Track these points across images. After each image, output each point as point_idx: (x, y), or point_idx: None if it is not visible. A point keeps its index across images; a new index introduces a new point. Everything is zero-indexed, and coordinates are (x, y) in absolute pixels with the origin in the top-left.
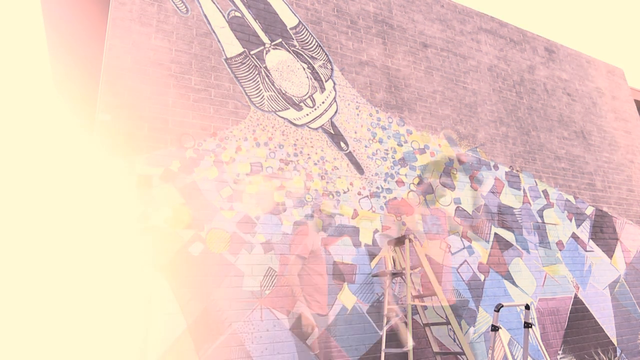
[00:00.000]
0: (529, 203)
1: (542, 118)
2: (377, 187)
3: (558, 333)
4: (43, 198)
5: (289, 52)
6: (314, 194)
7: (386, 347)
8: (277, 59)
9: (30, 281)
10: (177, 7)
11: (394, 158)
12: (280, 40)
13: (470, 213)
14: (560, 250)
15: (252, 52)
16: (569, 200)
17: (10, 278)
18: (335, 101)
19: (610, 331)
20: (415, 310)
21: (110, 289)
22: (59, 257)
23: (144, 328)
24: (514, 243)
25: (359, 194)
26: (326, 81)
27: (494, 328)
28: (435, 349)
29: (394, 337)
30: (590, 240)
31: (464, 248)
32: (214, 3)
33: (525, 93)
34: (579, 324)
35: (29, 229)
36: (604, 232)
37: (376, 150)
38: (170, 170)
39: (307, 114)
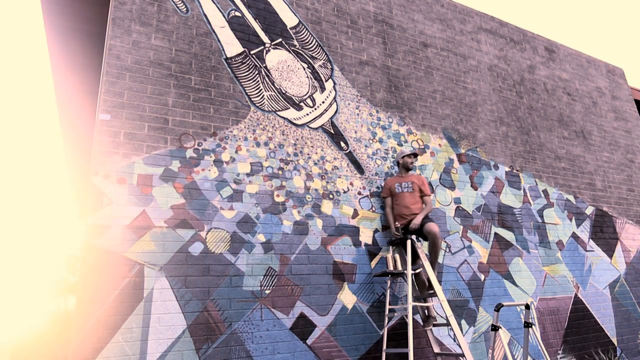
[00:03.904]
0: (529, 203)
1: (542, 118)
2: (377, 187)
3: (558, 333)
4: (42, 197)
5: (289, 51)
6: (314, 194)
7: (387, 347)
8: (277, 58)
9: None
10: (177, 7)
11: (394, 158)
12: (280, 40)
13: (470, 213)
14: (560, 250)
15: (252, 52)
16: (569, 200)
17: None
18: (336, 101)
19: (610, 331)
20: (415, 310)
21: (109, 289)
22: (59, 256)
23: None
24: (514, 243)
25: (359, 193)
26: (326, 81)
27: (494, 328)
28: (436, 349)
29: (394, 337)
30: (591, 240)
31: (464, 248)
32: (214, 3)
33: (526, 93)
34: (579, 323)
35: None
36: (604, 232)
37: (376, 150)
38: (170, 170)
39: (307, 114)
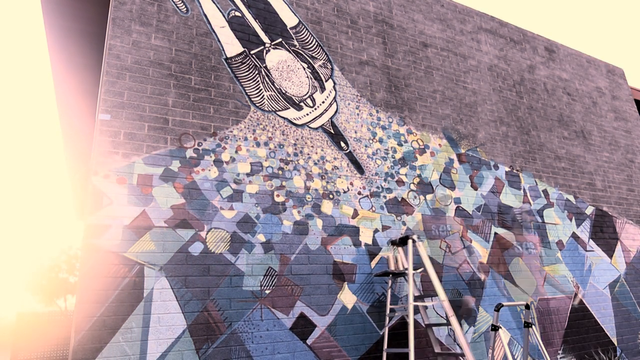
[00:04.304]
0: (529, 203)
1: (542, 118)
2: (377, 187)
3: (558, 333)
4: (42, 196)
5: (289, 51)
6: (314, 194)
7: (387, 347)
8: (277, 58)
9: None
10: (177, 7)
11: (394, 158)
12: (280, 39)
13: (470, 213)
14: (560, 250)
15: (252, 52)
16: (569, 200)
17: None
18: (336, 101)
19: (610, 331)
20: (416, 310)
21: (109, 289)
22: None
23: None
24: (514, 243)
25: (359, 193)
26: (326, 81)
27: (494, 328)
28: (437, 349)
29: (394, 337)
30: (591, 240)
31: (464, 248)
32: (214, 3)
33: (526, 93)
34: (579, 323)
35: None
36: (604, 232)
37: (376, 150)
38: (170, 170)
39: (307, 114)
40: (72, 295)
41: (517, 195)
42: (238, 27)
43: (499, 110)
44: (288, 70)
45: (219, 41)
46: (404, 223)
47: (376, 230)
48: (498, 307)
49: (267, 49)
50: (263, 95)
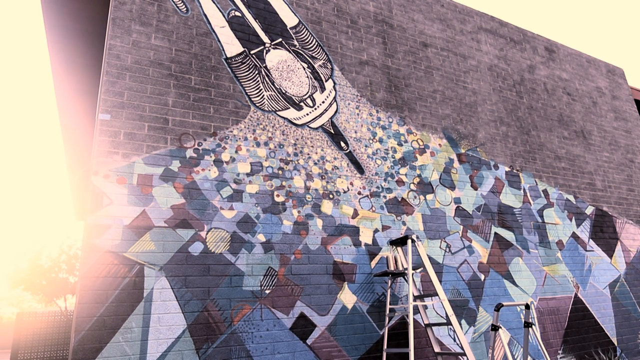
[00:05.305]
0: (529, 203)
1: (542, 118)
2: (377, 187)
3: (558, 333)
4: (41, 196)
5: (289, 51)
6: (314, 194)
7: (387, 346)
8: (277, 58)
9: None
10: (177, 7)
11: (394, 158)
12: (280, 39)
13: (470, 213)
14: (560, 249)
15: (252, 52)
16: (569, 200)
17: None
18: (336, 101)
19: (610, 331)
20: (416, 310)
21: (109, 289)
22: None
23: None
24: (514, 243)
25: (359, 193)
26: (326, 81)
27: (494, 327)
28: (436, 349)
29: (394, 337)
30: (591, 240)
31: (464, 248)
32: (214, 3)
33: (526, 93)
34: (579, 323)
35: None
36: (604, 232)
37: (376, 150)
38: (170, 170)
39: (307, 114)
40: (72, 295)
41: (517, 195)
42: (238, 27)
43: (499, 110)
44: (288, 70)
45: (219, 41)
46: (404, 223)
47: (376, 230)
48: (498, 307)
49: (267, 49)
50: (263, 95)
